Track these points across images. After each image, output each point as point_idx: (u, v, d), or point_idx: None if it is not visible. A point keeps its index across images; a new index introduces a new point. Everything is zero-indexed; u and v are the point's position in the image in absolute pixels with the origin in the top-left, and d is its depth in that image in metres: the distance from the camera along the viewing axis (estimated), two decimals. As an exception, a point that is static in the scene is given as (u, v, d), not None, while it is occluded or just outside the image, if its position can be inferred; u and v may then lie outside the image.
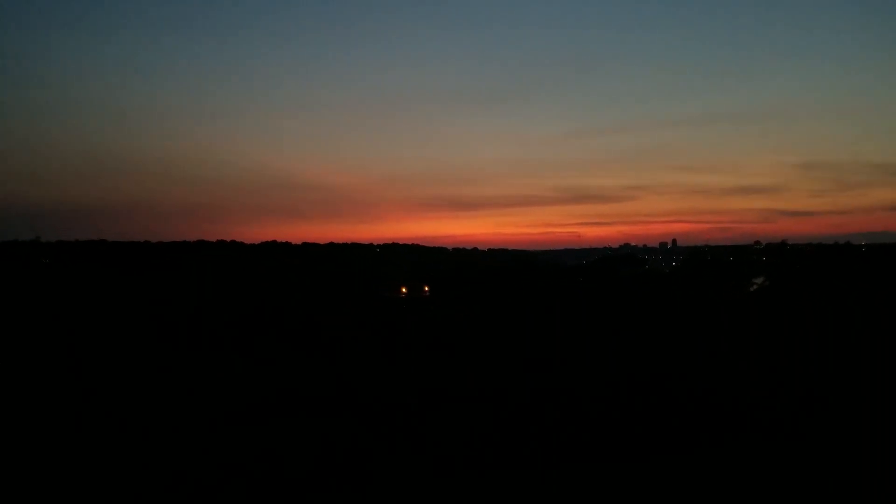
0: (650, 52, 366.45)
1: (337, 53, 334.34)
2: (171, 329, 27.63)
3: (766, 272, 56.81)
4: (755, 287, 55.06)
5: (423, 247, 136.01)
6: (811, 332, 29.15)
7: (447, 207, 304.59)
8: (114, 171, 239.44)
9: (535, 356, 22.76)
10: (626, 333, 28.39)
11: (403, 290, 66.91)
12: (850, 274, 43.24)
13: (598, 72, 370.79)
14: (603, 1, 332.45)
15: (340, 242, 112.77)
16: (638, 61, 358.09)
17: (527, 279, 69.31)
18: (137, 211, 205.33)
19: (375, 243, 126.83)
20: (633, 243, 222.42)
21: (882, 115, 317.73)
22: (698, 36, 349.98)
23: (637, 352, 23.60)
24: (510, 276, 75.42)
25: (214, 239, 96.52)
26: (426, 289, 67.39)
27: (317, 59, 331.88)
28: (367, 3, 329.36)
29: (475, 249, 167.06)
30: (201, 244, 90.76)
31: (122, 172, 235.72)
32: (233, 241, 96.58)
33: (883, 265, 43.29)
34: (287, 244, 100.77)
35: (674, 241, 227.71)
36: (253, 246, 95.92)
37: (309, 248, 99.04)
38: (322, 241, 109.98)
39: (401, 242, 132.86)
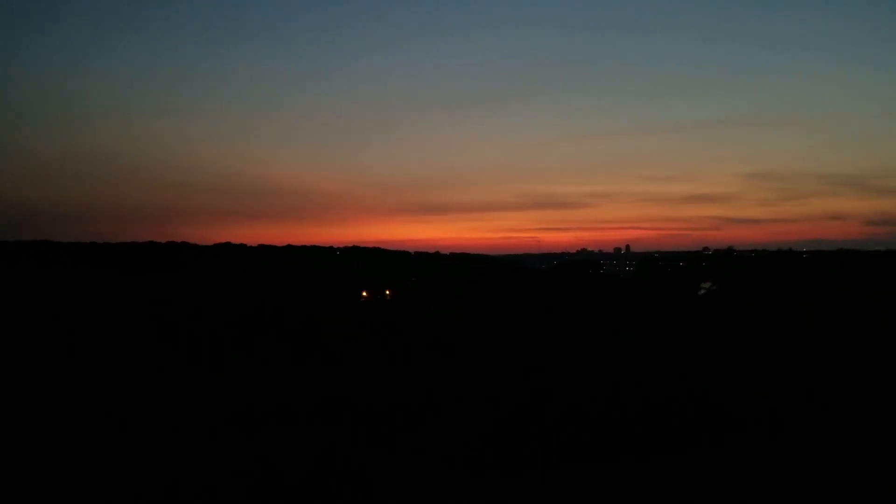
0: (612, 65, 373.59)
1: (303, 55, 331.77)
2: (117, 332, 26.99)
3: (714, 277, 58.49)
4: (703, 291, 56.66)
5: (385, 250, 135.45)
6: (754, 332, 30.26)
7: (411, 211, 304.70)
8: (59, 170, 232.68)
9: (514, 359, 22.98)
10: (597, 335, 29.00)
11: (364, 293, 66.58)
12: (792, 278, 44.83)
13: (560, 83, 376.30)
14: (572, 11, 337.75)
15: (299, 245, 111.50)
16: (600, 73, 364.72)
17: (499, 283, 69.90)
18: (84, 212, 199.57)
19: (336, 246, 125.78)
20: (590, 248, 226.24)
21: (827, 130, 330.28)
22: (657, 50, 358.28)
23: (608, 352, 24.10)
24: (482, 279, 75.85)
25: (164, 240, 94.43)
26: (388, 293, 67.19)
27: (282, 60, 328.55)
28: (336, 6, 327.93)
29: (437, 253, 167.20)
30: (151, 245, 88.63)
31: (67, 172, 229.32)
32: (184, 243, 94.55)
33: (822, 271, 45.05)
34: (242, 246, 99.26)
35: (628, 246, 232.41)
36: (206, 248, 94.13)
37: (266, 250, 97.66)
38: (279, 244, 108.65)
39: (362, 245, 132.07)
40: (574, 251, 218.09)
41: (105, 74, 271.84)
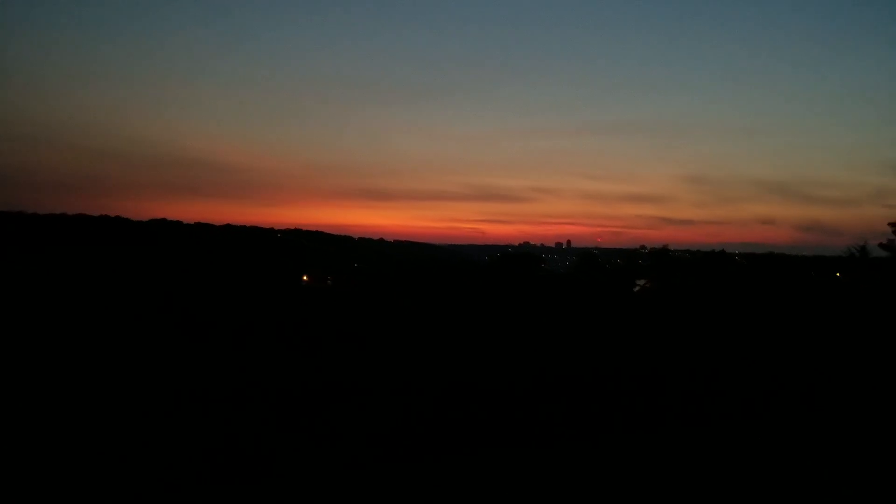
0: (559, 64, 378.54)
1: (249, 28, 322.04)
2: (42, 313, 25.56)
3: (649, 275, 60.03)
4: (638, 288, 58.14)
5: (328, 234, 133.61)
6: (684, 326, 31.28)
7: (355, 197, 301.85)
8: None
9: (444, 349, 22.84)
10: (534, 328, 29.33)
11: (305, 277, 65.46)
12: (723, 278, 46.50)
13: (511, 75, 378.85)
14: (522, 8, 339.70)
15: (238, 224, 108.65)
16: (550, 68, 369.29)
17: (440, 274, 69.87)
18: (10, 180, 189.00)
19: (277, 227, 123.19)
20: (532, 242, 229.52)
21: (762, 137, 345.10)
22: (604, 50, 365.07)
23: (545, 344, 24.36)
24: (424, 271, 75.56)
25: (97, 213, 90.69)
26: (329, 279, 66.27)
27: (226, 32, 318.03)
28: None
29: (382, 240, 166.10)
30: (81, 218, 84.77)
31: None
32: (118, 217, 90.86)
33: (753, 272, 46.96)
34: (178, 223, 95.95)
35: (569, 241, 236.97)
36: (140, 223, 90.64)
37: (203, 229, 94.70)
38: (218, 223, 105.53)
39: (304, 228, 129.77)
40: (517, 244, 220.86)
41: (27, 38, 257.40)
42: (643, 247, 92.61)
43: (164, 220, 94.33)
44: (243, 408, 10.87)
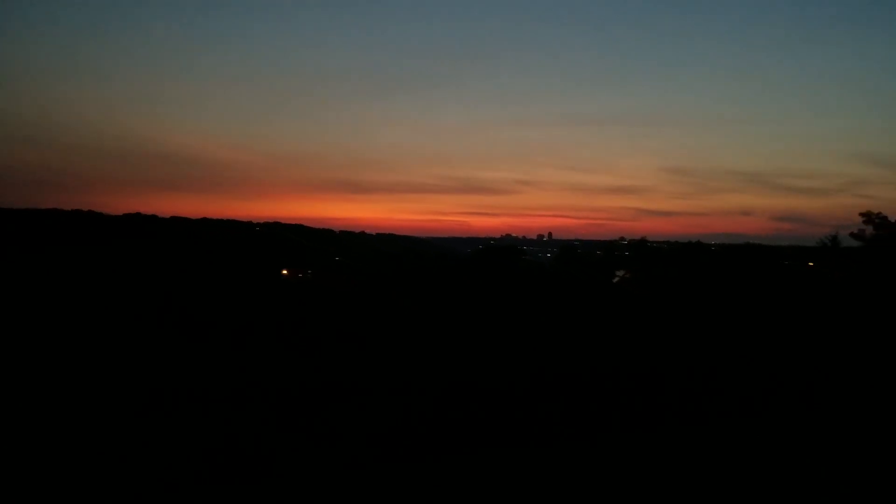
0: (541, 55, 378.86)
1: (228, 22, 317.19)
2: (18, 311, 25.11)
3: (628, 266, 60.87)
4: (617, 279, 58.91)
5: (309, 227, 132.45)
6: (661, 314, 31.81)
7: (336, 190, 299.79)
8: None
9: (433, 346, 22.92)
10: (522, 318, 29.61)
11: (285, 272, 64.96)
12: (700, 269, 47.26)
13: (493, 67, 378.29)
14: (502, 0, 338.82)
15: (216, 218, 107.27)
16: (533, 60, 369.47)
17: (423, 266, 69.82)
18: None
19: (256, 221, 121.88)
20: (514, 234, 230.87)
21: (740, 129, 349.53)
22: (587, 42, 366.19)
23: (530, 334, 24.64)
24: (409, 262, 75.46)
25: (70, 208, 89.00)
26: (309, 272, 65.83)
27: (202, 25, 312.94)
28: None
29: (363, 233, 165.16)
30: (54, 213, 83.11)
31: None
32: (91, 212, 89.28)
33: (727, 262, 47.82)
34: (154, 217, 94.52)
35: (550, 234, 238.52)
36: (115, 218, 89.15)
37: (179, 223, 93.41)
38: (195, 216, 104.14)
39: (284, 222, 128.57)
40: (499, 236, 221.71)
41: (14, 34, 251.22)
42: (622, 238, 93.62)
43: (139, 215, 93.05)
44: (242, 407, 10.87)
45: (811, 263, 47.81)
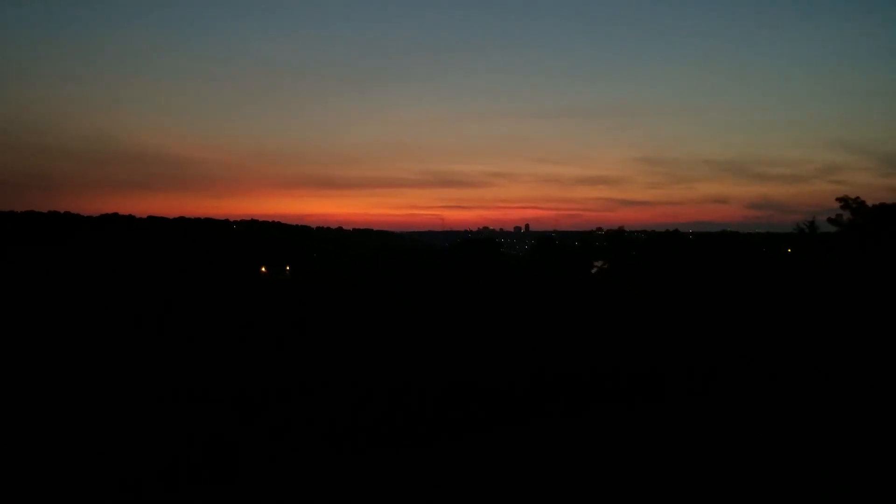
0: (512, 48, 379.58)
1: (198, 20, 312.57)
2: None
3: (605, 256, 61.73)
4: (595, 269, 59.77)
5: (285, 224, 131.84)
6: (640, 303, 32.46)
7: (312, 186, 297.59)
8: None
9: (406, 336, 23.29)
10: (499, 309, 30.04)
11: (263, 269, 64.73)
12: (677, 258, 48.22)
13: (465, 60, 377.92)
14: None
15: (192, 217, 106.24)
16: (503, 53, 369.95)
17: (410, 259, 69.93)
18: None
19: (232, 219, 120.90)
20: (491, 227, 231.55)
21: (713, 118, 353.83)
22: (556, 35, 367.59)
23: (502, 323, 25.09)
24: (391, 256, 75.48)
25: (46, 210, 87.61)
26: (287, 269, 65.69)
27: (172, 24, 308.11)
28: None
29: (340, 229, 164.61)
30: (30, 215, 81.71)
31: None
32: (67, 213, 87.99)
33: (703, 250, 48.71)
34: (131, 217, 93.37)
35: (527, 226, 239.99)
36: (91, 219, 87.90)
37: (156, 223, 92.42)
38: (171, 216, 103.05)
39: (260, 219, 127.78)
40: (476, 229, 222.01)
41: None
42: (599, 229, 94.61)
43: (115, 215, 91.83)
44: (225, 406, 11.16)
45: (789, 250, 48.86)
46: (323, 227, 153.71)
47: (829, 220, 36.61)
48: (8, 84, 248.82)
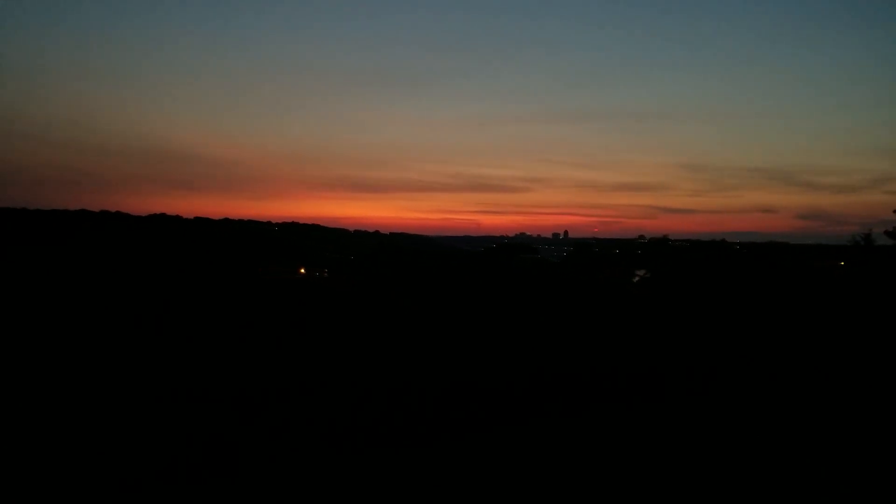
0: (551, 50, 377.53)
1: (240, 25, 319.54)
2: (44, 309, 25.77)
3: (648, 265, 60.82)
4: (637, 279, 58.85)
5: (324, 227, 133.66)
6: (685, 317, 31.76)
7: (349, 189, 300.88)
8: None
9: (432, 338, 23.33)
10: (521, 316, 29.79)
11: (302, 270, 65.90)
12: (725, 269, 47.18)
13: (504, 62, 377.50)
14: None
15: (236, 218, 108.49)
16: (543, 56, 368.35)
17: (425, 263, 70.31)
18: (10, 176, 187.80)
19: (274, 221, 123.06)
20: (528, 233, 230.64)
21: (759, 124, 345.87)
22: (597, 38, 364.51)
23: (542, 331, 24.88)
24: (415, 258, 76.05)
25: (97, 209, 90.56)
26: (325, 272, 66.73)
27: (222, 28, 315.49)
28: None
29: (377, 232, 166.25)
30: (83, 214, 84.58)
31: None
32: (118, 213, 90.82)
33: (753, 262, 47.56)
34: (178, 218, 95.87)
35: (565, 232, 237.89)
36: (140, 218, 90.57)
37: (201, 223, 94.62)
38: (216, 217, 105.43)
39: (300, 222, 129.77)
40: (512, 235, 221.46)
41: (23, 35, 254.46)
42: (641, 236, 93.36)
43: (163, 215, 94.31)
44: (234, 406, 11.35)
45: (842, 263, 47.41)
46: (360, 231, 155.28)
47: (887, 233, 35.45)
48: (63, 83, 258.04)
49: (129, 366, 16.25)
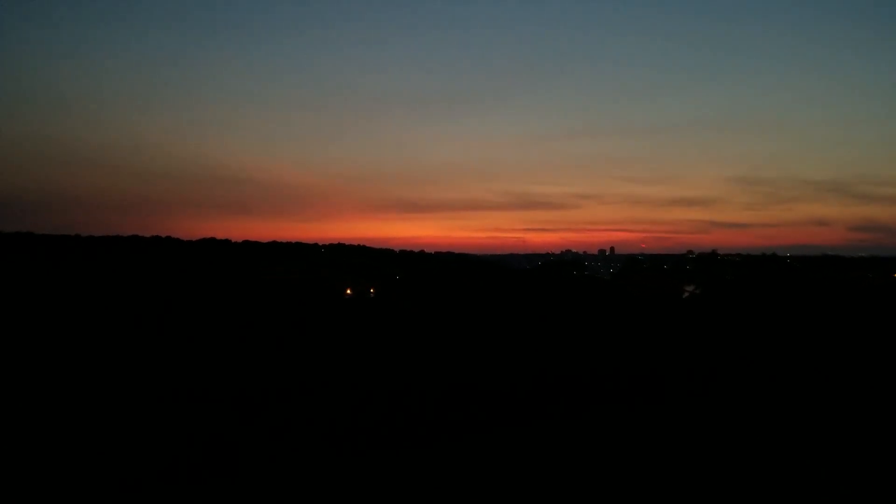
0: (595, 65, 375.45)
1: (288, 48, 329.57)
2: (93, 330, 26.48)
3: (697, 281, 58.96)
4: (687, 294, 57.13)
5: (370, 248, 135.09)
6: (738, 334, 30.46)
7: (394, 208, 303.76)
8: (43, 160, 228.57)
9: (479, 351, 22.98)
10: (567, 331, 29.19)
11: (349, 291, 66.57)
12: (775, 283, 45.35)
13: (549, 79, 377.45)
14: (556, 9, 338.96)
15: (283, 241, 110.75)
16: (589, 70, 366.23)
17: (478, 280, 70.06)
18: (67, 203, 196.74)
19: (321, 243, 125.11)
20: (574, 250, 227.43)
21: (811, 135, 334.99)
22: (642, 51, 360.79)
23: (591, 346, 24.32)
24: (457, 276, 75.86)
25: (149, 234, 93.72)
26: (372, 290, 67.23)
27: (266, 52, 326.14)
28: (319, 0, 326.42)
29: (422, 252, 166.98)
30: (135, 239, 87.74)
31: (51, 162, 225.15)
32: (168, 238, 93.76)
33: (805, 276, 45.62)
34: (227, 241, 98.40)
35: (612, 248, 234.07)
36: (190, 243, 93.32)
37: (250, 247, 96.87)
38: (264, 240, 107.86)
39: (347, 243, 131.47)
40: (559, 252, 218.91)
41: (82, 62, 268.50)
42: (691, 252, 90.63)
43: (213, 240, 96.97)
44: (244, 408, 11.33)
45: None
46: (406, 251, 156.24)
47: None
48: (113, 110, 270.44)
49: (153, 367, 16.54)
